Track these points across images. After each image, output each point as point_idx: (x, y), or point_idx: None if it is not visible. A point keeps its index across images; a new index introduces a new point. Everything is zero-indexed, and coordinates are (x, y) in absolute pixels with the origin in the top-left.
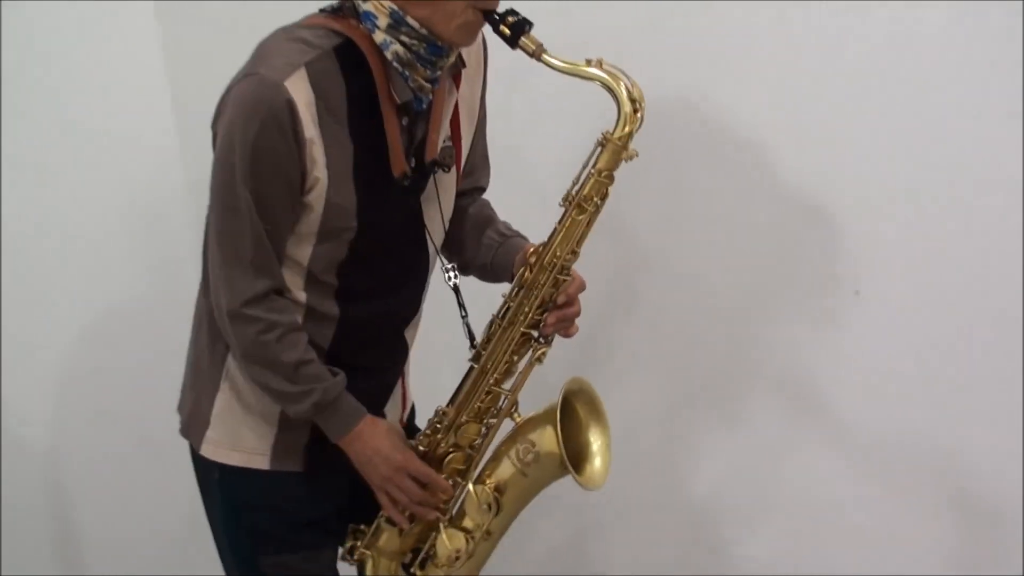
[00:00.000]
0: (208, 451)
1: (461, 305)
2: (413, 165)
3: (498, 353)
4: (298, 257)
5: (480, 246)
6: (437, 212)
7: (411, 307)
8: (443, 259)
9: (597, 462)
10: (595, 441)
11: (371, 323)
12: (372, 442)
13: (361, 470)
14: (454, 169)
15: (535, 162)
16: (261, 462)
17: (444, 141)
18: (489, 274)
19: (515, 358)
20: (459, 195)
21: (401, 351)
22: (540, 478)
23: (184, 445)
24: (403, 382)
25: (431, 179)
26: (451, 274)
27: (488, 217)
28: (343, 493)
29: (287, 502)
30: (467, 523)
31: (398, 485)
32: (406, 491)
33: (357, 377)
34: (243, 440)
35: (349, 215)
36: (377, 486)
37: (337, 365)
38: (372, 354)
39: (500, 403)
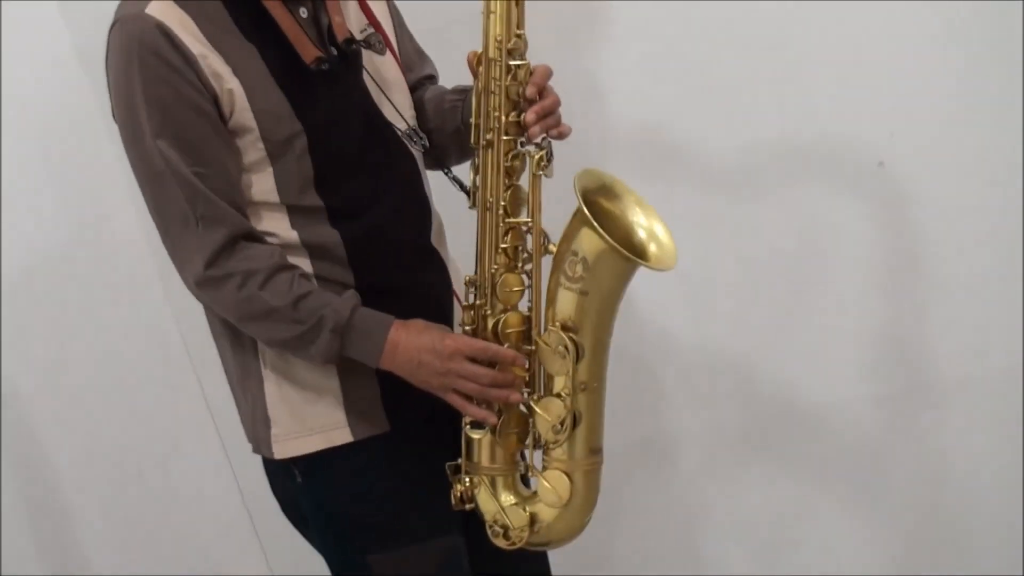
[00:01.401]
0: (281, 450)
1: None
2: (333, 52)
3: (491, 179)
4: (266, 194)
5: (445, 114)
6: (388, 103)
7: (416, 209)
8: (412, 135)
9: (658, 237)
10: (640, 219)
11: (381, 237)
12: (413, 343)
13: (418, 382)
14: (391, 57)
15: None
16: (341, 436)
17: (365, 28)
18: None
19: (513, 178)
20: (412, 90)
21: (437, 263)
22: (603, 288)
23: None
24: (459, 300)
25: (367, 70)
26: (421, 141)
27: (442, 89)
28: (445, 446)
29: (384, 479)
30: (556, 385)
31: (460, 374)
32: (472, 377)
33: (401, 298)
34: (312, 420)
35: (287, 118)
36: (441, 388)
37: (375, 294)
38: (404, 272)
39: (526, 241)
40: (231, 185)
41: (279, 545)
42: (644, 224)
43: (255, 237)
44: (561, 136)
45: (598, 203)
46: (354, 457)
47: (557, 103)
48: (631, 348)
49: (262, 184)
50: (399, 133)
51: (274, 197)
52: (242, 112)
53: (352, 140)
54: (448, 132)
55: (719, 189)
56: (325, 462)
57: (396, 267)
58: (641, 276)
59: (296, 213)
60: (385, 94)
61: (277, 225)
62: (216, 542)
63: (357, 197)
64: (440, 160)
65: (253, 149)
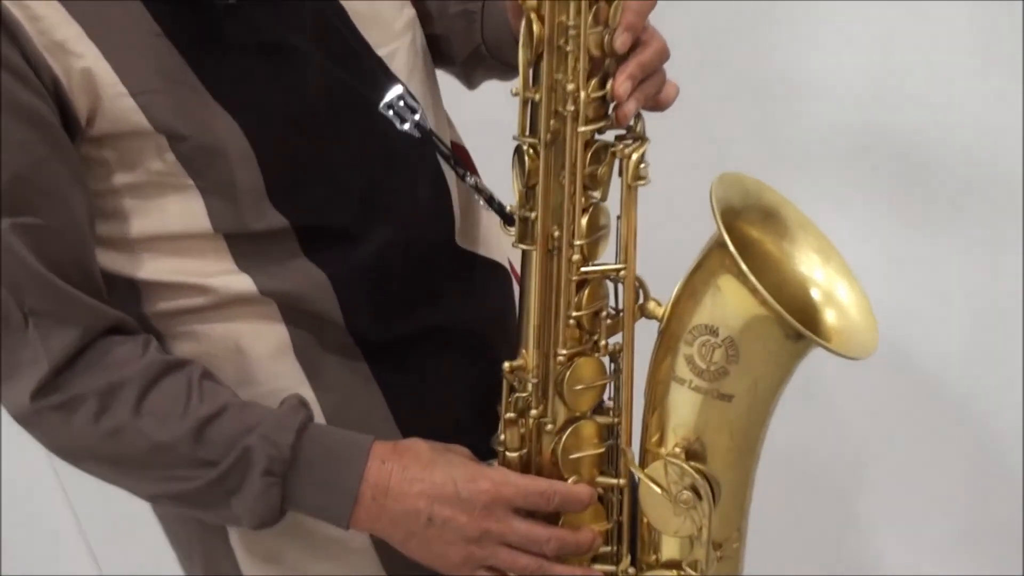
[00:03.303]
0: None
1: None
2: None
3: (556, 198)
4: (190, 222)
5: (455, 31)
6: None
7: (427, 208)
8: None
9: (845, 309)
10: (815, 265)
11: (384, 260)
12: (414, 485)
13: (422, 554)
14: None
15: None
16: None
17: None
18: (494, 58)
19: (595, 193)
20: None
21: (483, 275)
22: (760, 385)
23: None
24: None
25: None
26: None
27: None
28: None
29: None
30: (666, 548)
31: (503, 539)
32: (525, 543)
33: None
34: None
35: (193, 95)
36: (466, 566)
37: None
38: (429, 301)
39: (608, 299)
40: (80, 246)
41: None
42: (822, 276)
43: (123, 329)
44: (661, 105)
45: (744, 236)
46: None
47: (661, 53)
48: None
49: (181, 207)
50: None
51: (204, 225)
52: (114, 107)
53: (317, 119)
54: (469, 58)
55: None
56: None
57: (414, 298)
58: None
59: (244, 245)
60: (360, 33)
61: (212, 269)
62: None
63: (336, 204)
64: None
65: (155, 159)
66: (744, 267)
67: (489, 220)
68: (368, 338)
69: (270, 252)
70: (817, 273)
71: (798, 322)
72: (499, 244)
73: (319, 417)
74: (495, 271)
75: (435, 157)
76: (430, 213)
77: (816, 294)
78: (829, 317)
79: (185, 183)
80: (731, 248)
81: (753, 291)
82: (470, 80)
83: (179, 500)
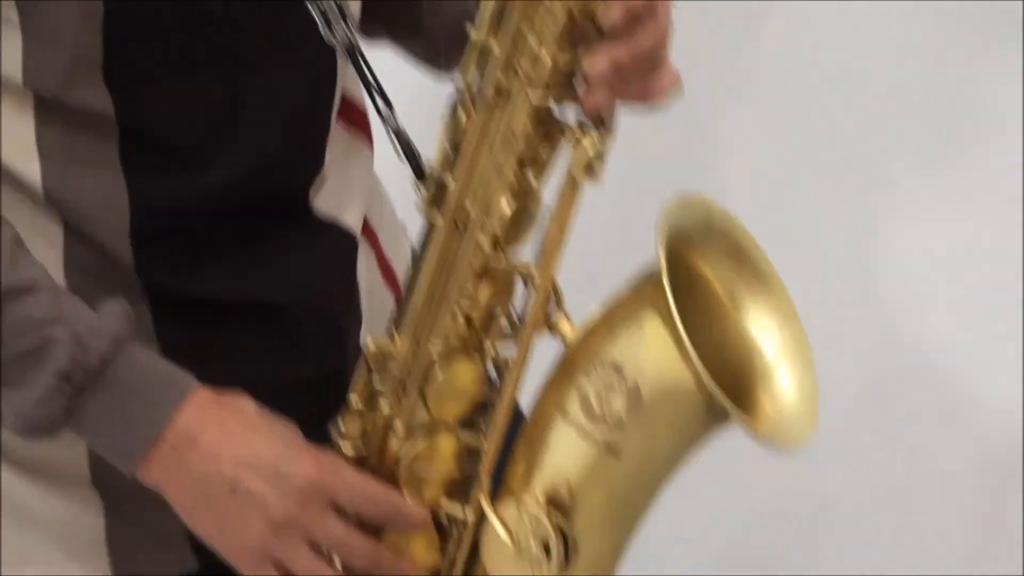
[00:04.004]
0: None
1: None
2: None
3: (484, 168)
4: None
5: None
6: None
7: (294, 147)
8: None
9: (788, 389)
10: (771, 341)
11: (211, 203)
12: (230, 445)
13: (209, 527)
14: None
15: None
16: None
17: None
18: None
19: (533, 177)
20: None
21: (337, 253)
22: (654, 451)
23: None
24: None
25: None
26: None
27: None
28: None
29: None
30: None
31: (310, 533)
32: (333, 541)
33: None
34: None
35: None
36: (257, 556)
37: (191, 315)
38: (250, 264)
39: (513, 303)
40: None
41: None
42: (773, 344)
43: None
44: (651, 97)
45: (693, 273)
46: None
47: (662, 39)
48: None
49: None
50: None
51: (15, 76)
52: None
53: None
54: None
55: None
56: None
57: (244, 264)
58: None
59: (53, 120)
60: None
61: (8, 135)
62: None
63: (189, 119)
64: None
65: None
66: (674, 311)
67: (362, 182)
68: (161, 284)
69: (78, 144)
70: (768, 339)
71: (725, 391)
72: (358, 209)
73: None
74: (342, 243)
75: (332, 90)
76: (294, 156)
77: (759, 362)
78: (765, 394)
79: (9, 17)
80: (665, 284)
81: (678, 341)
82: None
83: None
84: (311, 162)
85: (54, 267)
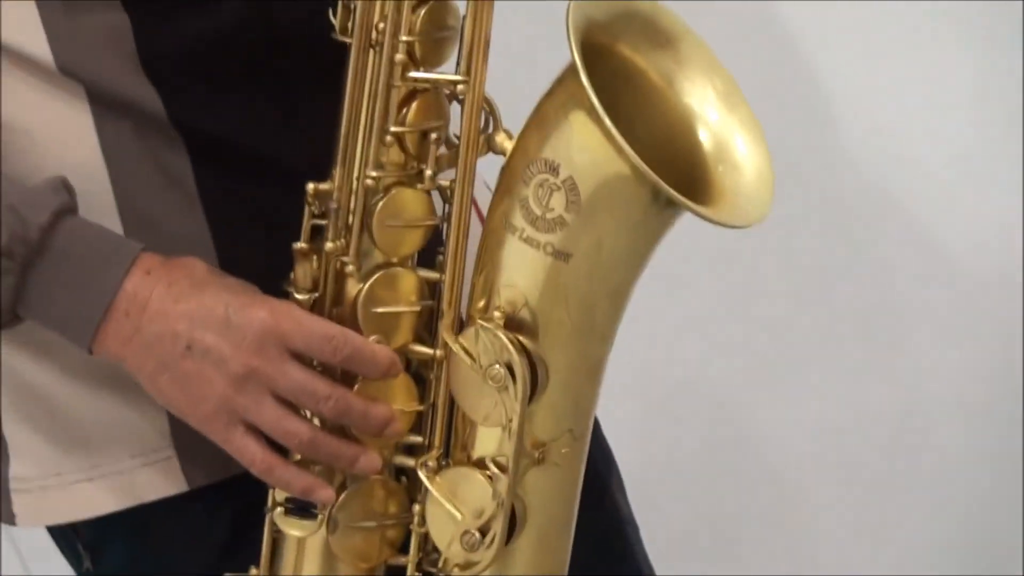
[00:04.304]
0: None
1: None
2: None
3: None
4: None
5: None
6: None
7: None
8: None
9: (739, 165)
10: (711, 105)
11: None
12: (178, 302)
13: (171, 395)
14: None
15: None
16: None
17: None
18: None
19: None
20: None
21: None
22: (605, 250)
23: None
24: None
25: None
26: None
27: None
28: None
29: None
30: (479, 445)
31: (271, 385)
32: (297, 395)
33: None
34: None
35: None
36: (223, 416)
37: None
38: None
39: (446, 122)
40: None
41: None
42: (716, 120)
43: None
44: None
45: (621, 62)
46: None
47: None
48: None
49: None
50: None
51: None
52: None
53: None
54: None
55: None
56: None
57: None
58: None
59: None
60: None
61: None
62: None
63: None
64: None
65: None
66: (593, 98)
67: None
68: (199, 131)
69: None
70: (714, 119)
71: (667, 175)
72: None
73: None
74: None
75: None
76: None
77: (709, 143)
78: (713, 173)
79: None
80: (581, 73)
81: (605, 130)
82: None
83: None
84: None
85: (89, 139)
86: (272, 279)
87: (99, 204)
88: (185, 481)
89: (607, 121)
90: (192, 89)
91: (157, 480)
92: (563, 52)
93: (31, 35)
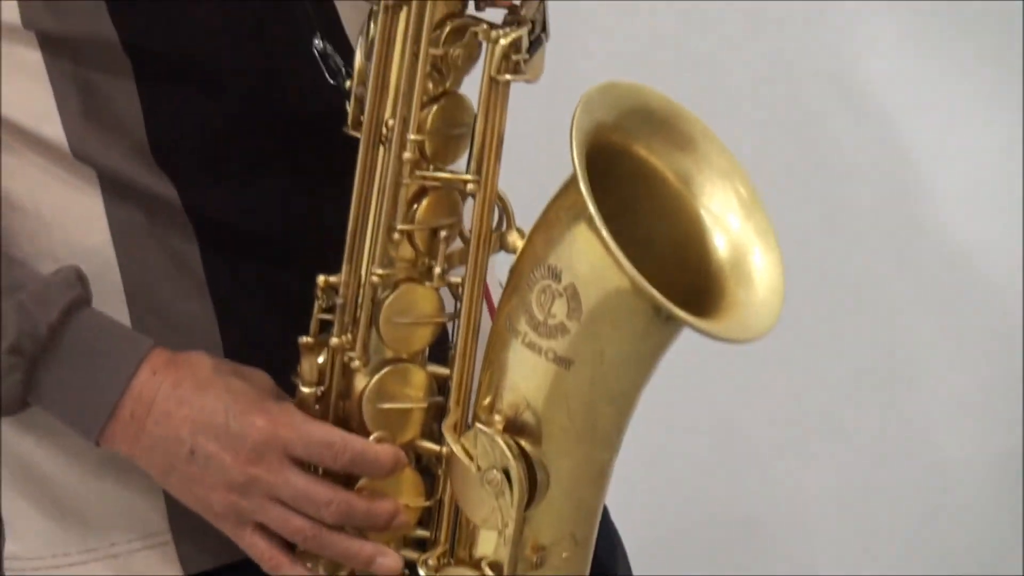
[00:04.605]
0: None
1: None
2: None
3: (396, 78)
4: None
5: None
6: None
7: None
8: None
9: (752, 276)
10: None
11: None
12: (183, 407)
13: (180, 492)
14: None
15: None
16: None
17: None
18: None
19: (447, 81)
20: None
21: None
22: (604, 351)
23: None
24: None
25: None
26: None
27: None
28: None
29: None
30: (480, 546)
31: (273, 491)
32: (297, 497)
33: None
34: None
35: None
36: (230, 517)
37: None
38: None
39: (461, 220)
40: None
41: None
42: (732, 227)
43: None
44: None
45: (638, 161)
46: None
47: None
48: None
49: None
50: None
51: (11, 17)
52: None
53: None
54: None
55: None
56: None
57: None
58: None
59: (61, 54)
60: None
61: (20, 96)
62: None
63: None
64: None
65: None
66: (593, 211)
67: None
68: (208, 218)
69: (91, 67)
70: (730, 226)
71: (681, 286)
72: None
73: (120, 302)
74: None
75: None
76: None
77: (722, 251)
78: (724, 282)
79: None
80: (580, 180)
81: (600, 239)
82: None
83: None
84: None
85: (99, 222)
86: (279, 363)
87: (106, 287)
88: (181, 566)
89: (606, 235)
90: (201, 175)
91: (154, 564)
92: None
93: (46, 119)
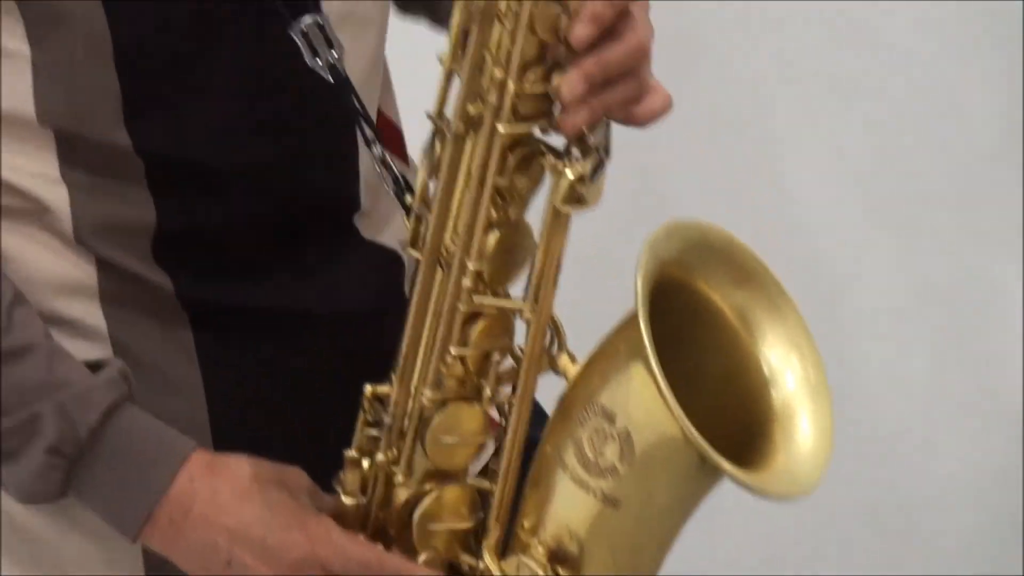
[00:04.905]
0: None
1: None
2: None
3: (460, 203)
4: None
5: None
6: None
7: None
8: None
9: (800, 435)
10: (786, 366)
11: (250, 221)
12: (220, 515)
13: None
14: None
15: None
16: None
17: None
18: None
19: (511, 208)
20: None
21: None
22: (654, 496)
23: None
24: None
25: None
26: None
27: None
28: None
29: None
30: None
31: None
32: None
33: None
34: None
35: None
36: None
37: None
38: (292, 275)
39: (513, 340)
40: None
41: None
42: (788, 378)
43: None
44: (638, 119)
45: (696, 296)
46: None
47: (638, 53)
48: None
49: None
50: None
51: (27, 110)
52: None
53: (208, 19)
54: None
55: None
56: None
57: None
58: None
59: (76, 150)
60: None
61: (29, 166)
62: None
63: (218, 141)
64: None
65: None
66: (654, 365)
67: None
68: (200, 300)
69: (104, 168)
70: (785, 370)
71: (733, 435)
72: (398, 229)
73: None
74: (386, 259)
75: (351, 118)
76: (326, 181)
77: (774, 396)
78: (776, 436)
79: (19, 50)
80: (643, 331)
81: (660, 391)
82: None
83: None
84: (343, 179)
85: (91, 301)
86: (264, 436)
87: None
88: None
89: (665, 389)
90: (200, 269)
91: None
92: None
93: (58, 208)
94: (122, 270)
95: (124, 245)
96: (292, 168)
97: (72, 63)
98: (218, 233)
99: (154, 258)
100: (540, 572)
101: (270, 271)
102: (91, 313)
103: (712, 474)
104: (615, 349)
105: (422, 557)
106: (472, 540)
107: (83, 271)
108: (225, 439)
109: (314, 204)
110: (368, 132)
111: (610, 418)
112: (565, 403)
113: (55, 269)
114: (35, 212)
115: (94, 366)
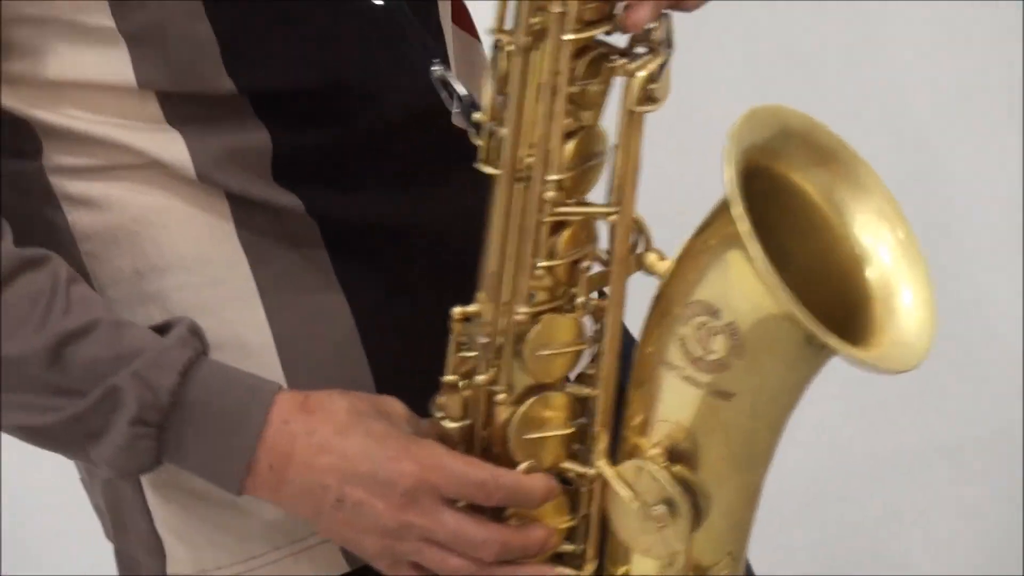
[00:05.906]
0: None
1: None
2: None
3: (530, 116)
4: (111, 75)
5: None
6: None
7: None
8: None
9: (902, 307)
10: (878, 240)
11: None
12: (322, 454)
13: (338, 539)
14: None
15: None
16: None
17: None
18: None
19: (584, 114)
20: None
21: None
22: (766, 382)
23: None
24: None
25: None
26: None
27: None
28: None
29: None
30: (638, 563)
31: (429, 534)
32: (452, 538)
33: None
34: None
35: None
36: (385, 559)
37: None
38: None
39: (597, 244)
40: None
41: None
42: (886, 253)
43: None
44: (691, 5)
45: (781, 183)
46: None
47: None
48: None
49: (98, 54)
50: None
51: (127, 80)
52: None
53: None
54: None
55: None
56: None
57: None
58: None
59: (179, 104)
60: None
61: (135, 123)
62: None
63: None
64: None
65: None
66: (756, 250)
67: None
68: (331, 217)
69: (211, 111)
70: (878, 244)
71: (832, 312)
72: None
73: (260, 324)
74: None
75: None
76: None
77: (871, 272)
78: (876, 311)
79: (104, 25)
80: (738, 217)
81: (764, 274)
82: None
83: (31, 435)
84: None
85: (229, 237)
86: (411, 339)
87: (239, 291)
88: (346, 562)
89: (771, 270)
90: (322, 187)
91: (318, 563)
92: (714, 163)
93: (176, 151)
94: (252, 199)
95: (247, 170)
96: (391, 82)
97: (163, 26)
98: (334, 150)
99: (276, 179)
100: (662, 474)
101: (395, 185)
102: (231, 251)
103: (820, 354)
104: (708, 239)
105: (521, 467)
106: (574, 445)
107: (216, 210)
108: (380, 364)
109: (418, 116)
110: (428, 48)
111: (713, 313)
112: (661, 302)
113: (190, 210)
114: (154, 165)
115: (161, 328)
